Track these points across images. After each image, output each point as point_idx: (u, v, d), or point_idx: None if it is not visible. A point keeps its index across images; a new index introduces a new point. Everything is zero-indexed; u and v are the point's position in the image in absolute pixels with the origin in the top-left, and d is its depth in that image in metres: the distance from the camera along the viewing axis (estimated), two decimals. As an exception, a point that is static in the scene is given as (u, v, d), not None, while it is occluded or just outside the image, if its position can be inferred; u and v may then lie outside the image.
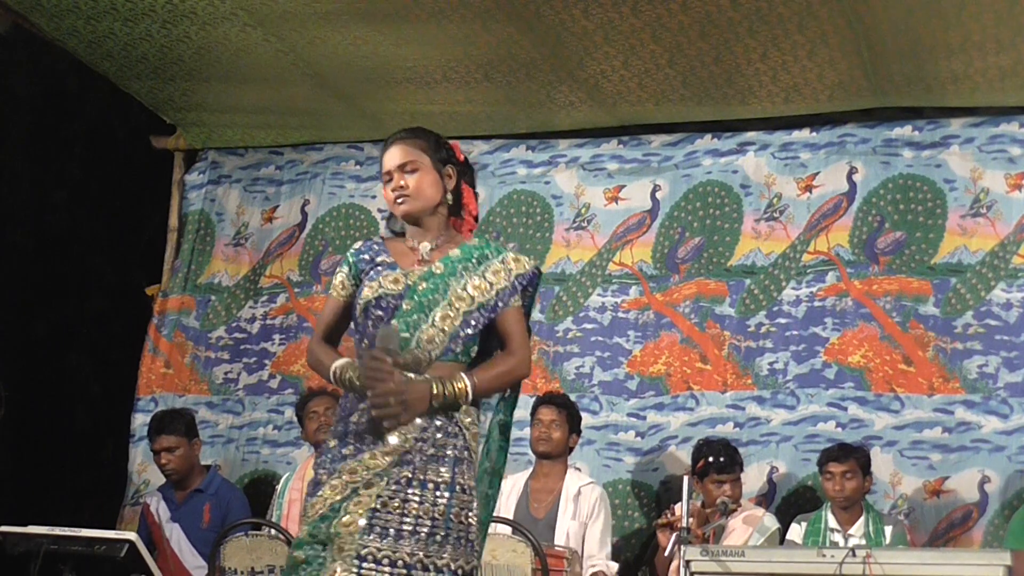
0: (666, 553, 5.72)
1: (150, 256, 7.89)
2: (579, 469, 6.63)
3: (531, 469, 6.51)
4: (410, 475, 3.75)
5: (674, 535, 5.24)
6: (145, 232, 8.02)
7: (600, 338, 7.06)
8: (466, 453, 3.83)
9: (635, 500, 6.80)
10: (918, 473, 6.45)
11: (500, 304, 3.90)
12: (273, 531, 5.95)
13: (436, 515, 3.73)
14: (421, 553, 3.70)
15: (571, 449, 6.45)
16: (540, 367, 7.07)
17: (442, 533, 3.73)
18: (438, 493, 3.75)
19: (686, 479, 5.23)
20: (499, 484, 3.99)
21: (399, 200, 3.94)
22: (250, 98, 7.20)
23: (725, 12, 5.86)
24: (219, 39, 6.42)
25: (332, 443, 3.86)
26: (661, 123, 7.21)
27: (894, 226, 6.79)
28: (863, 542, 5.87)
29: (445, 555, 3.72)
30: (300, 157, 7.82)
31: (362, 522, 3.72)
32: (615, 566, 6.32)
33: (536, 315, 7.14)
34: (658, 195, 7.19)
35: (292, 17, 6.15)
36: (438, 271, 3.90)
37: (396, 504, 3.73)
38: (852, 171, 6.88)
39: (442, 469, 3.78)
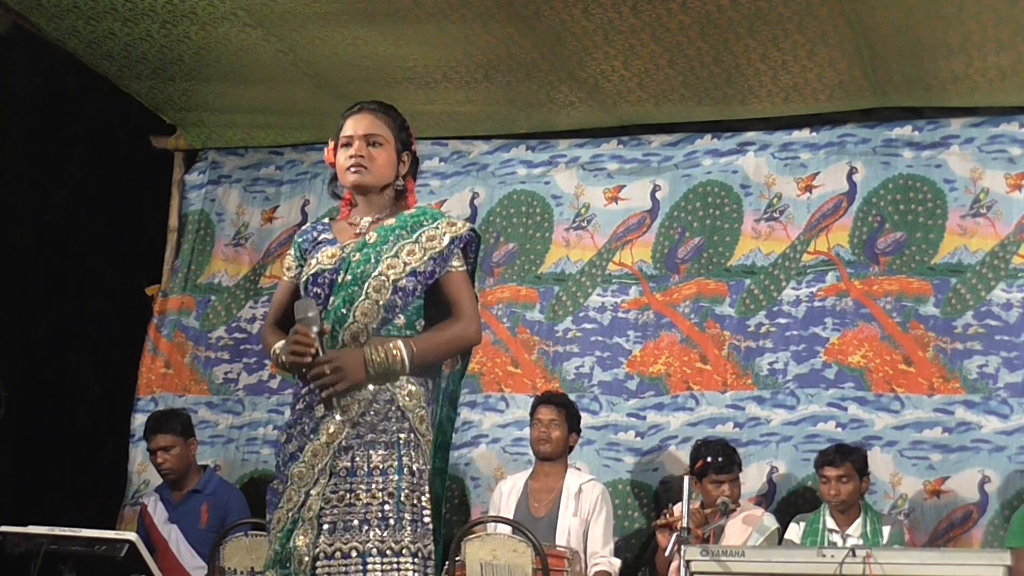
0: (666, 553, 5.73)
1: (150, 256, 7.89)
2: (579, 469, 6.63)
3: (531, 469, 6.51)
4: (349, 464, 3.69)
5: (674, 535, 5.24)
6: (145, 232, 8.02)
7: (600, 338, 7.06)
8: (412, 436, 3.72)
9: (635, 500, 6.80)
10: (918, 473, 6.45)
11: (437, 269, 3.80)
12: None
13: (386, 499, 3.65)
14: (377, 540, 3.64)
15: (571, 448, 6.45)
16: (540, 367, 7.07)
17: (395, 516, 3.65)
18: (387, 477, 3.66)
19: (686, 479, 5.23)
20: (447, 457, 3.89)
21: (353, 168, 3.89)
22: (250, 98, 7.20)
23: (725, 12, 5.86)
24: (219, 39, 6.42)
25: (282, 438, 3.83)
26: (661, 123, 7.21)
27: (894, 226, 6.79)
28: (861, 542, 5.87)
29: (404, 538, 3.65)
30: (300, 157, 7.81)
31: (312, 534, 3.68)
32: (618, 563, 6.33)
33: (536, 315, 7.15)
34: (658, 195, 7.18)
35: (292, 17, 6.15)
36: (371, 240, 3.83)
37: (340, 496, 3.68)
38: (852, 171, 6.88)
39: (385, 453, 3.68)
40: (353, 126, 3.96)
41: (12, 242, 7.59)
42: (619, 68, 6.46)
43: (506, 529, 5.84)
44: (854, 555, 5.01)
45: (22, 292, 7.58)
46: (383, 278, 3.76)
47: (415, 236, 3.82)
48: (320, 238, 3.93)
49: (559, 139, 7.39)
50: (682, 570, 5.11)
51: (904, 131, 6.86)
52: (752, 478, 6.57)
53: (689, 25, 5.99)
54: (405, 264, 3.78)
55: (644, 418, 6.88)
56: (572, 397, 6.63)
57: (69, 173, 7.86)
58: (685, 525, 5.14)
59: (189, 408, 7.29)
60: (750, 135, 7.09)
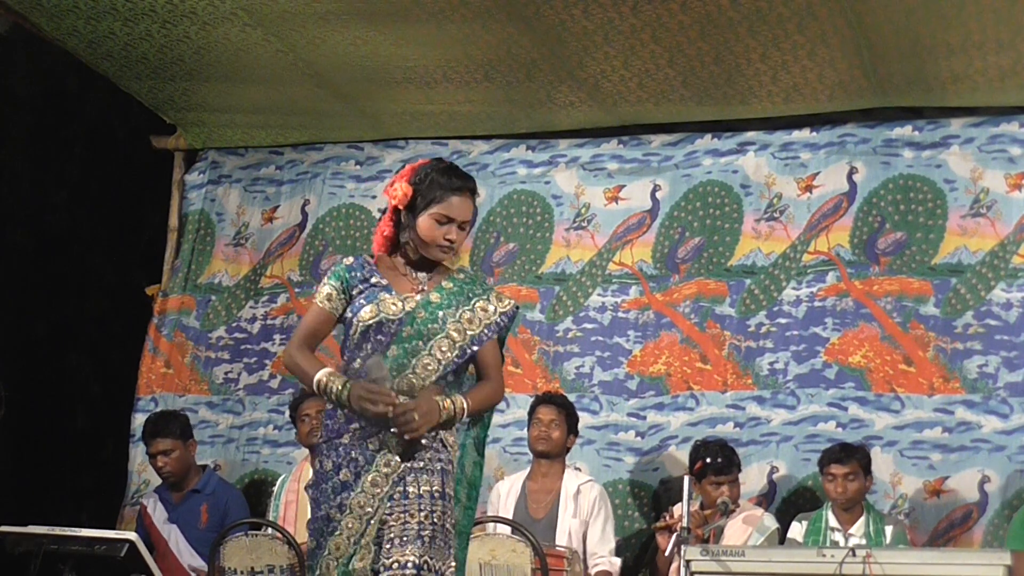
0: (666, 554, 5.72)
1: (150, 256, 7.89)
2: (579, 469, 6.63)
3: (528, 470, 6.50)
4: (403, 490, 4.07)
5: (674, 535, 5.24)
6: (145, 232, 8.02)
7: (600, 338, 7.06)
8: (450, 466, 4.17)
9: (635, 500, 6.80)
10: (918, 473, 6.45)
11: (485, 337, 4.21)
12: (272, 531, 5.94)
13: (434, 520, 4.07)
14: (426, 556, 4.02)
15: (568, 450, 6.45)
16: (540, 367, 7.07)
17: (432, 536, 4.06)
18: (432, 502, 4.08)
19: (686, 479, 5.23)
20: (476, 497, 4.32)
21: (445, 249, 4.19)
22: (250, 98, 7.20)
23: (725, 12, 5.86)
24: (219, 39, 6.42)
25: (327, 466, 4.14)
26: (661, 123, 7.21)
27: (894, 226, 6.79)
28: (863, 542, 5.87)
29: (438, 558, 4.05)
30: (300, 157, 7.81)
31: (369, 557, 4.07)
32: (618, 562, 6.32)
33: (536, 315, 7.16)
34: (658, 195, 7.18)
35: (292, 17, 6.15)
36: (435, 300, 4.18)
37: (396, 517, 4.06)
38: (852, 171, 6.88)
39: (432, 479, 4.09)
40: (458, 210, 4.18)
41: (12, 242, 7.59)
42: (619, 68, 6.46)
43: (505, 529, 5.84)
44: (854, 555, 5.01)
45: (22, 292, 7.58)
46: (448, 340, 4.16)
47: (471, 304, 4.22)
48: (372, 280, 4.20)
49: (559, 139, 7.39)
50: (682, 570, 5.10)
51: (904, 131, 6.86)
52: (752, 478, 6.57)
53: (689, 25, 5.99)
54: (466, 331, 4.19)
55: (644, 418, 6.88)
56: (572, 397, 6.63)
57: (69, 173, 7.86)
58: (685, 525, 5.13)
59: (189, 408, 7.29)
60: (750, 135, 7.09)
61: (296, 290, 7.59)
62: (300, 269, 7.63)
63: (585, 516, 6.27)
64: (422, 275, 4.22)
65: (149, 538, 6.50)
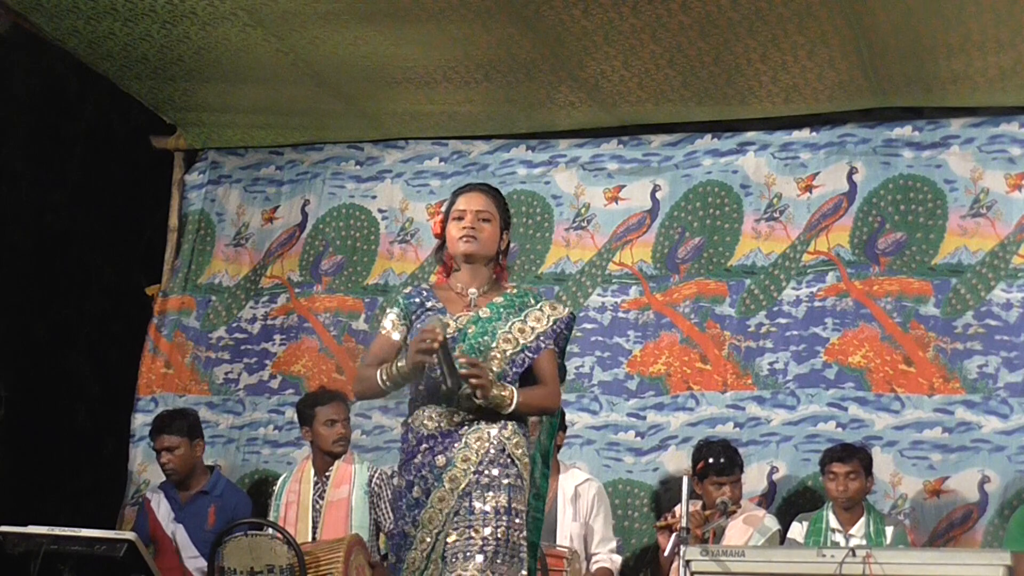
0: (665, 553, 5.73)
1: (150, 256, 7.89)
2: (578, 468, 6.62)
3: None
4: (468, 505, 4.20)
5: (673, 535, 5.24)
6: (145, 232, 8.02)
7: (600, 338, 7.06)
8: (519, 481, 4.27)
9: (635, 500, 6.80)
10: (918, 473, 6.46)
11: (541, 346, 4.32)
12: (272, 531, 5.94)
13: (499, 536, 4.18)
14: (487, 571, 4.14)
15: (559, 448, 6.42)
16: (540, 367, 7.06)
17: (495, 551, 4.17)
18: (497, 517, 4.19)
19: (685, 479, 5.23)
20: (543, 507, 4.45)
21: (466, 239, 4.33)
22: (250, 98, 7.20)
23: (725, 12, 5.86)
24: (219, 39, 6.42)
25: (402, 484, 4.32)
26: (661, 123, 7.21)
27: (894, 226, 6.79)
28: (864, 542, 5.87)
29: (503, 574, 4.17)
30: (300, 157, 7.81)
31: (437, 572, 4.22)
32: (619, 559, 6.32)
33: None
34: (658, 195, 7.18)
35: (292, 17, 6.15)
36: (485, 316, 4.32)
37: (460, 532, 4.20)
38: (852, 171, 6.88)
39: (499, 496, 4.21)
40: (466, 202, 4.39)
41: (12, 242, 7.59)
42: (619, 68, 6.46)
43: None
44: (854, 555, 5.01)
45: (22, 292, 7.58)
46: (499, 352, 4.28)
47: (523, 315, 4.35)
48: (428, 305, 4.37)
49: (559, 139, 7.39)
50: (682, 570, 5.10)
51: (904, 131, 6.86)
52: (752, 478, 6.57)
53: (689, 25, 5.99)
54: (518, 341, 4.30)
55: (644, 418, 6.88)
56: (572, 397, 6.64)
57: (69, 173, 7.86)
58: (685, 525, 5.14)
59: (189, 408, 7.28)
60: (750, 135, 7.09)
61: (296, 290, 7.59)
62: (300, 269, 7.63)
63: (585, 517, 6.27)
64: (472, 291, 4.35)
65: (150, 533, 6.50)
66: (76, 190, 7.85)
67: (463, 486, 4.21)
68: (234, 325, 7.64)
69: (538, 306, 4.38)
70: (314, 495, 6.36)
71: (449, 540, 4.19)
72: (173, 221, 7.87)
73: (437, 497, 4.23)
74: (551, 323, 4.36)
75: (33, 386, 7.32)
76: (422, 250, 7.39)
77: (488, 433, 4.25)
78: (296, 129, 7.66)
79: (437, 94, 6.90)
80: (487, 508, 4.18)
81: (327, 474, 6.36)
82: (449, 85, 6.77)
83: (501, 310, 4.33)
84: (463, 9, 5.97)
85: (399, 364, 4.25)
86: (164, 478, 6.72)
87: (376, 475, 6.36)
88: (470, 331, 4.28)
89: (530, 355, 4.30)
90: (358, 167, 7.70)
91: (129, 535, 5.70)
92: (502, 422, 4.26)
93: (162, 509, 6.64)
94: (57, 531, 5.58)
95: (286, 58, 6.58)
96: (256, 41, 6.41)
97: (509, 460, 4.24)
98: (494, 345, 4.27)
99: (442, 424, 4.26)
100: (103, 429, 7.73)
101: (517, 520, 4.23)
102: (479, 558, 4.13)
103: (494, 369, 4.24)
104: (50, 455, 7.56)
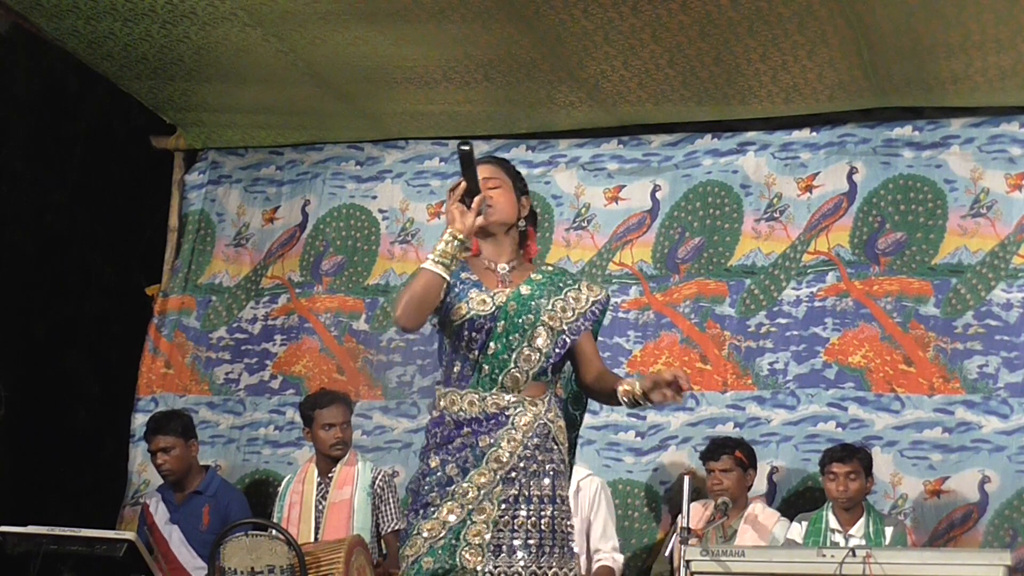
0: (666, 553, 5.73)
1: (150, 256, 7.89)
2: (579, 466, 6.62)
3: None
4: (516, 492, 4.02)
5: (674, 535, 5.24)
6: (145, 232, 8.02)
7: (600, 338, 6.99)
8: (563, 467, 4.12)
9: (635, 500, 6.80)
10: (918, 473, 6.45)
11: (582, 327, 4.16)
12: (273, 531, 5.94)
13: (543, 527, 4.01)
14: (533, 565, 3.98)
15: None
16: (540, 367, 7.06)
17: (549, 544, 4.01)
18: (543, 506, 4.02)
19: (686, 479, 5.23)
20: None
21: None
22: (250, 98, 7.20)
23: (725, 12, 5.86)
24: (219, 39, 6.42)
25: (433, 463, 4.08)
26: (661, 123, 7.20)
27: (895, 226, 6.79)
28: (863, 542, 5.87)
29: (553, 564, 4.00)
30: (300, 157, 7.81)
31: (481, 558, 3.99)
32: (621, 558, 6.32)
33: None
34: (658, 195, 7.18)
35: (292, 17, 6.15)
36: (526, 293, 4.14)
37: (506, 521, 4.00)
38: (852, 171, 6.88)
39: (544, 482, 4.04)
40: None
41: (12, 242, 7.60)
42: (619, 68, 6.46)
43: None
44: (854, 555, 5.01)
45: (22, 292, 7.58)
46: (546, 330, 4.10)
47: (563, 294, 4.17)
48: (462, 276, 4.14)
49: (559, 139, 7.39)
50: (682, 570, 5.11)
51: (904, 131, 6.86)
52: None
53: (689, 25, 5.99)
54: (562, 319, 4.12)
55: (644, 418, 6.88)
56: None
57: (69, 173, 7.87)
58: (685, 526, 5.14)
59: (190, 408, 7.28)
60: (750, 135, 7.09)
61: (297, 290, 7.59)
62: (301, 269, 7.62)
63: (586, 513, 6.27)
64: (503, 266, 4.19)
65: (151, 538, 6.50)
66: (76, 190, 7.85)
67: (507, 469, 4.02)
68: (235, 325, 7.64)
69: (575, 285, 4.23)
70: (317, 496, 6.37)
71: (494, 527, 3.99)
72: (173, 221, 7.87)
73: (477, 474, 4.02)
74: (590, 304, 4.20)
75: (33, 386, 7.32)
76: (423, 250, 7.38)
77: (534, 415, 4.08)
78: (296, 129, 7.66)
79: (437, 94, 6.90)
80: (531, 496, 4.01)
81: (330, 475, 6.37)
82: (449, 85, 6.77)
83: (542, 288, 4.17)
84: (463, 9, 5.97)
85: (443, 240, 4.01)
86: (162, 480, 6.73)
87: (380, 477, 6.36)
88: (511, 308, 4.09)
89: (572, 336, 4.14)
90: (358, 167, 7.70)
91: (129, 535, 5.71)
92: (547, 404, 4.12)
93: (159, 512, 6.65)
94: (57, 531, 5.58)
95: (286, 58, 6.58)
96: (256, 41, 6.41)
97: (553, 443, 4.10)
98: (539, 324, 4.09)
99: (486, 407, 4.05)
100: (103, 429, 7.74)
101: (562, 506, 4.07)
102: (525, 551, 3.98)
103: (540, 347, 4.08)
104: (50, 455, 7.56)
